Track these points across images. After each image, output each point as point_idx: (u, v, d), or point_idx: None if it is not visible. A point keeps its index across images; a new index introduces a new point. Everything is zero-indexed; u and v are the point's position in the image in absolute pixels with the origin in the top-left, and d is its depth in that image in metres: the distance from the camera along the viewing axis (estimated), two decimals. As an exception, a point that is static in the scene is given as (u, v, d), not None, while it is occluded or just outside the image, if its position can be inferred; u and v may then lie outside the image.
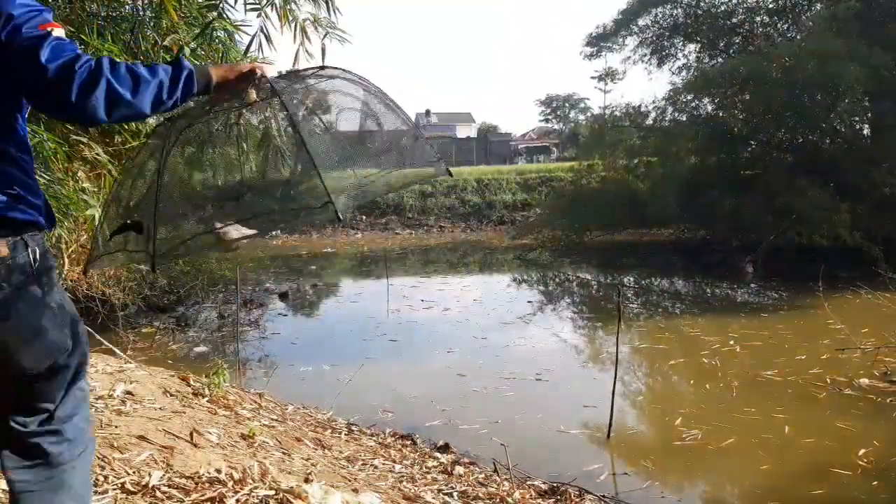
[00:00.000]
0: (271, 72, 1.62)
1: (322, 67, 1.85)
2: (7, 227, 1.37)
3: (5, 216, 1.37)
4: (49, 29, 1.29)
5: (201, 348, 8.36)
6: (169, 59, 1.62)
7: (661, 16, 18.09)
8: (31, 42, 1.25)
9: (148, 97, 1.33)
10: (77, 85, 1.23)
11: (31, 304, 1.40)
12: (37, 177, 1.50)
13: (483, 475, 4.20)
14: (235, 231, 1.80)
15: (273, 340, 8.88)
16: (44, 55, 1.24)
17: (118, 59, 1.37)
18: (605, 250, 16.98)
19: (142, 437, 3.06)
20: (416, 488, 3.61)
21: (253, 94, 1.62)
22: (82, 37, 3.40)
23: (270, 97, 1.68)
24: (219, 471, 2.85)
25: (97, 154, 4.09)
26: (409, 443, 4.89)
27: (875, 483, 4.40)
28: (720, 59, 17.47)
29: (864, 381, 6.37)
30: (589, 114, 53.14)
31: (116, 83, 1.27)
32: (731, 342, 7.96)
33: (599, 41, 19.13)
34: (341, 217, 1.60)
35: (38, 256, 1.41)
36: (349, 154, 1.78)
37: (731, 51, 17.82)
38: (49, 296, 1.45)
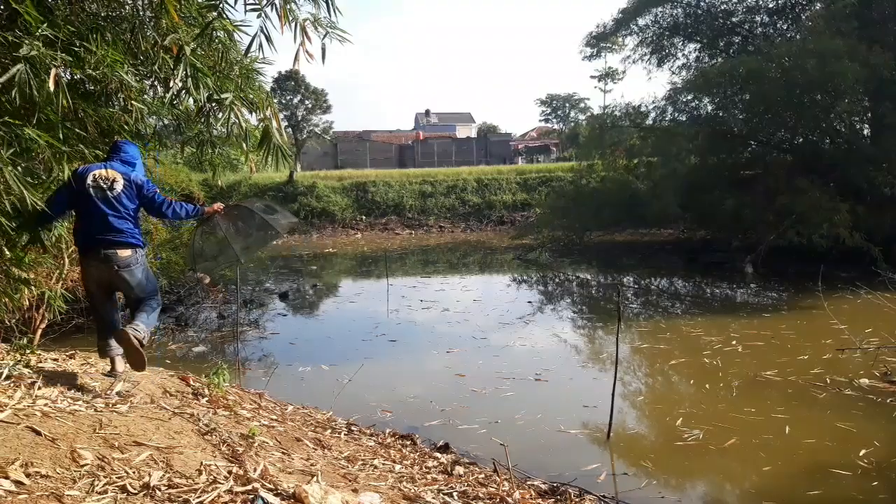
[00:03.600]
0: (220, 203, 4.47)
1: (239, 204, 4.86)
2: (132, 247, 3.85)
3: (130, 242, 3.84)
4: (156, 191, 4.01)
5: (201, 348, 8.37)
6: (189, 199, 3.39)
7: (660, 15, 18.11)
8: (152, 197, 3.98)
9: (183, 215, 4.16)
10: (163, 210, 4.05)
11: (136, 271, 3.87)
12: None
13: (483, 475, 4.19)
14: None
15: (273, 340, 8.88)
16: (156, 201, 4.00)
17: (174, 199, 4.18)
18: (605, 250, 16.99)
19: (141, 437, 3.06)
20: (416, 488, 3.61)
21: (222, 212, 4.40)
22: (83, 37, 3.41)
23: (233, 209, 4.56)
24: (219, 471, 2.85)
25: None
26: (408, 443, 4.89)
27: (875, 483, 4.40)
28: (720, 59, 17.47)
29: (865, 381, 6.38)
30: (589, 114, 53.17)
31: (177, 209, 4.09)
32: (734, 342, 7.96)
33: (599, 41, 19.16)
34: (242, 260, 4.73)
35: (139, 256, 3.90)
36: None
37: (731, 51, 17.83)
38: (142, 268, 3.93)
